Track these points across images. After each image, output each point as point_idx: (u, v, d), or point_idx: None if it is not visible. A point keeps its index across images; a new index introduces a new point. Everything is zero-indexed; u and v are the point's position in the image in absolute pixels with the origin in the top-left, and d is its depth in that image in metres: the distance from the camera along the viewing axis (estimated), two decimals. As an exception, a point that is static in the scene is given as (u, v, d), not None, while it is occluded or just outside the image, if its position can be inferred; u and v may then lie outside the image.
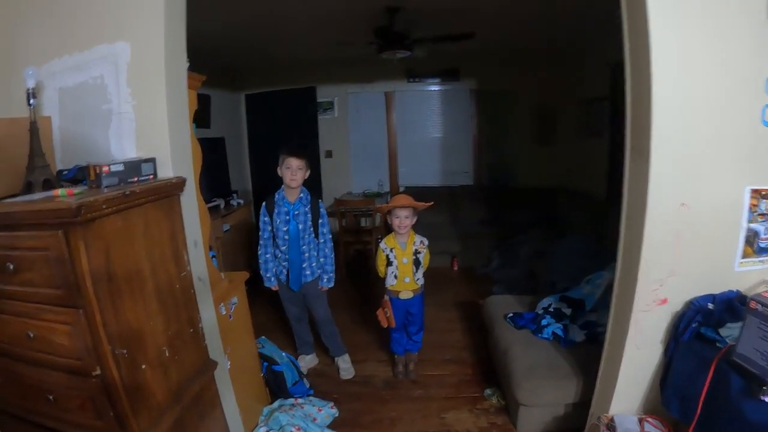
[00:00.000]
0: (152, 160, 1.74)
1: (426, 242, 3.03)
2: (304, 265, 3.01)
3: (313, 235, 3.01)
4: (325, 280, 3.11)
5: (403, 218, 2.88)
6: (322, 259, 3.07)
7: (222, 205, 5.23)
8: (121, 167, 1.62)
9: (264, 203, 3.01)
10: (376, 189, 6.54)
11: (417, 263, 2.99)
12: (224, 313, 2.28)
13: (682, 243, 1.72)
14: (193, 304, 1.90)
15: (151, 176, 1.73)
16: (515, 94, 6.29)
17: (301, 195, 2.94)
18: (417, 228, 3.06)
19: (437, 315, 4.13)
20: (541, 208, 5.82)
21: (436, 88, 6.51)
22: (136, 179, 1.66)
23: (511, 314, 3.10)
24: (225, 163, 5.59)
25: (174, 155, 1.82)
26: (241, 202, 5.51)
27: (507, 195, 6.18)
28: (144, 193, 1.59)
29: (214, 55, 5.27)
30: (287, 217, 2.92)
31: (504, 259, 5.16)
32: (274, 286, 3.13)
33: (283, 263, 3.03)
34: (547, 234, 5.11)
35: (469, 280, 5.18)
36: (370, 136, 6.69)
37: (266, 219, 2.99)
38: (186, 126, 1.95)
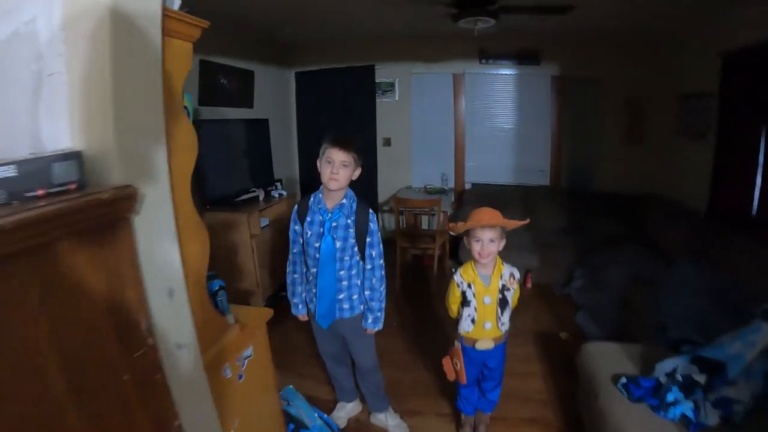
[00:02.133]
0: (75, 157, 0.97)
1: (518, 275, 2.22)
2: (340, 297, 2.21)
3: (357, 256, 2.20)
4: (370, 320, 2.27)
5: (487, 242, 2.06)
6: (368, 292, 2.25)
7: (261, 197, 4.53)
8: (11, 171, 0.86)
9: (296, 206, 2.24)
10: (439, 184, 5.75)
11: (503, 303, 2.17)
12: (229, 376, 1.53)
13: None
14: (162, 398, 1.12)
15: (73, 185, 0.95)
16: (602, 84, 5.37)
17: (344, 201, 2.13)
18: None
19: (511, 351, 3.26)
20: (628, 218, 4.91)
21: (512, 72, 5.63)
22: (41, 192, 0.90)
23: (625, 380, 2.20)
24: (268, 148, 4.88)
25: (123, 146, 1.06)
26: (284, 193, 4.81)
27: (588, 200, 5.24)
28: (47, 221, 0.83)
29: (261, 26, 4.60)
30: (321, 230, 2.12)
31: (589, 280, 4.22)
32: (303, 316, 2.39)
33: (313, 290, 2.24)
34: (644, 254, 4.13)
35: (546, 301, 4.28)
36: (435, 124, 5.88)
37: (297, 228, 2.23)
38: (158, 97, 1.17)
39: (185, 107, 1.47)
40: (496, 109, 5.78)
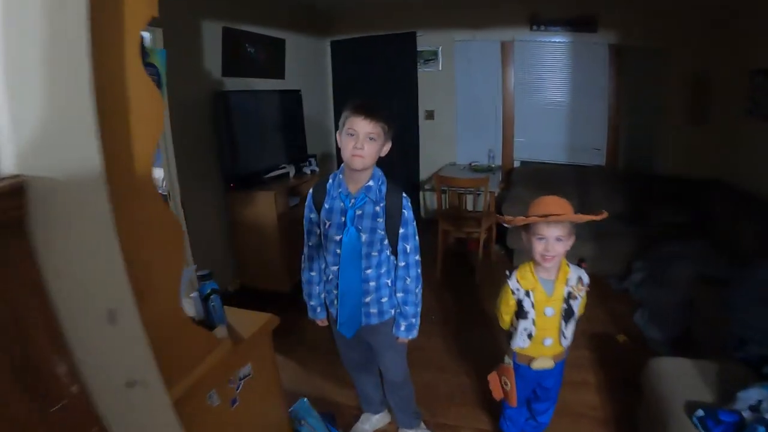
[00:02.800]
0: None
1: (586, 279, 1.82)
2: (366, 300, 1.84)
3: (387, 251, 1.82)
4: (402, 328, 1.88)
5: (552, 241, 1.68)
6: (400, 294, 1.86)
7: (292, 173, 4.24)
8: None
9: (311, 190, 1.86)
10: (486, 161, 5.30)
11: (568, 315, 1.79)
12: (217, 403, 1.22)
13: None
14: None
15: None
16: (665, 56, 4.74)
17: (371, 183, 1.73)
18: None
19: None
20: (692, 206, 4.34)
21: (566, 40, 5.06)
22: None
23: (702, 412, 1.77)
24: (300, 121, 4.56)
25: (18, 116, 0.73)
26: (317, 169, 4.51)
27: (647, 183, 4.67)
28: None
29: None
30: (342, 219, 1.74)
31: (649, 274, 3.75)
32: (322, 320, 2.04)
33: (334, 291, 1.88)
34: (713, 250, 3.60)
35: (600, 295, 3.79)
36: (481, 96, 5.40)
37: (313, 216, 1.85)
38: (81, 35, 0.82)
39: (151, 67, 1.12)
40: (548, 81, 5.25)
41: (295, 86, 4.71)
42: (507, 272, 1.88)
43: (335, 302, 1.87)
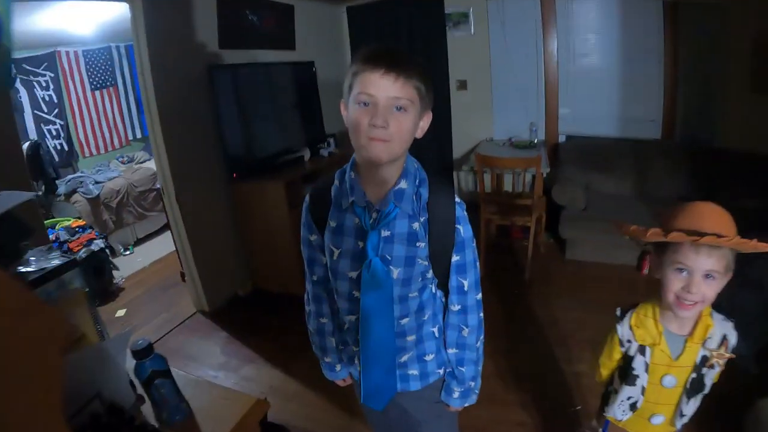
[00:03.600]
0: None
1: (734, 341, 1.18)
2: (403, 359, 1.22)
3: (432, 285, 1.19)
4: (456, 394, 1.26)
5: (699, 277, 1.07)
6: (453, 351, 1.25)
7: (307, 157, 3.68)
8: None
9: (307, 197, 1.20)
10: (527, 137, 4.67)
11: (696, 388, 1.18)
12: None
13: None
14: None
15: None
16: (727, 13, 4.01)
17: (403, 184, 1.07)
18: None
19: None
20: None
21: (615, -5, 4.36)
22: None
23: None
24: (315, 97, 3.97)
25: None
26: (336, 151, 3.95)
27: (712, 160, 3.95)
28: None
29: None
30: (360, 245, 1.09)
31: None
32: (344, 380, 1.41)
33: (353, 348, 1.25)
34: None
35: None
36: (520, 62, 4.72)
37: (314, 238, 1.20)
38: None
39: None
40: (595, 44, 4.56)
41: (308, 57, 4.10)
42: (618, 311, 1.28)
43: (356, 361, 1.26)
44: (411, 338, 1.18)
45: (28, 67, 4.83)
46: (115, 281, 4.06)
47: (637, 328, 1.22)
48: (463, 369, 1.24)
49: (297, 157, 3.61)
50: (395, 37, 4.83)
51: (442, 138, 4.92)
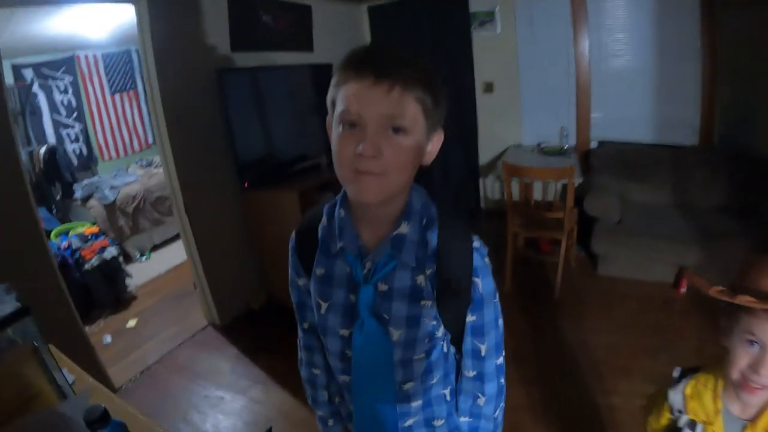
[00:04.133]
0: None
1: None
2: (407, 424, 0.98)
3: (442, 344, 0.94)
4: None
5: None
6: (466, 419, 1.02)
7: (324, 164, 3.53)
8: None
9: (293, 236, 0.99)
10: (557, 142, 4.42)
11: None
12: None
13: None
14: None
15: None
16: None
17: (404, 228, 0.83)
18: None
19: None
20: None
21: (650, -9, 4.07)
22: None
23: None
24: (334, 101, 3.81)
25: None
26: (356, 157, 3.75)
27: (755, 167, 3.60)
28: None
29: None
30: (351, 298, 0.88)
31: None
32: None
33: (349, 405, 1.03)
34: None
35: (707, 316, 2.89)
36: (549, 63, 4.48)
37: (302, 282, 0.98)
38: None
39: None
40: (628, 43, 4.29)
41: (327, 60, 3.94)
42: (675, 372, 1.05)
43: (351, 422, 1.06)
44: (416, 403, 0.97)
45: (46, 71, 4.79)
46: (128, 289, 3.97)
47: (691, 400, 1.00)
48: None
49: (313, 165, 3.46)
50: (418, 37, 4.64)
51: (468, 143, 4.70)
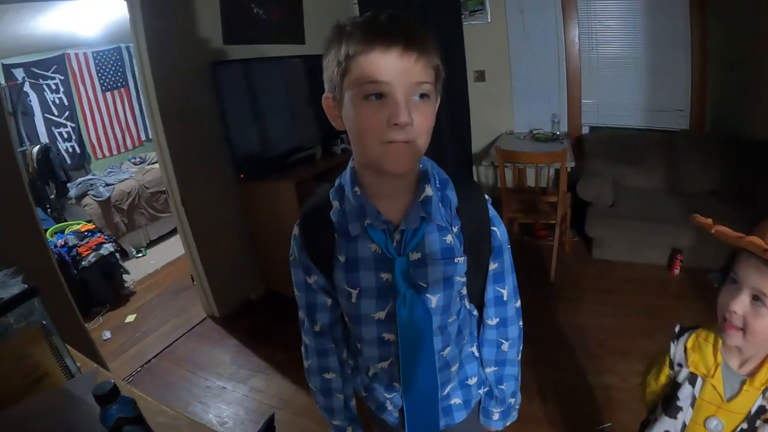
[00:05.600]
0: None
1: None
2: (446, 391, 1.04)
3: (464, 302, 1.00)
4: (495, 415, 1.11)
5: (744, 296, 0.87)
6: (492, 369, 1.08)
7: (319, 155, 3.54)
8: None
9: (297, 227, 0.94)
10: (549, 129, 4.44)
11: None
12: None
13: None
14: None
15: None
16: None
17: (428, 190, 0.85)
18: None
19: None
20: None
21: (639, -24, 4.09)
22: None
23: None
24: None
25: None
26: (350, 148, 3.75)
27: (745, 151, 3.67)
28: None
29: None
30: (386, 277, 0.87)
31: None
32: None
33: (385, 394, 1.04)
34: None
35: (703, 297, 2.92)
36: (540, 51, 4.50)
37: (314, 281, 0.95)
38: None
39: None
40: (618, 30, 4.32)
41: (318, 51, 3.93)
42: (676, 328, 1.09)
43: (388, 407, 1.05)
44: (454, 368, 1.02)
45: (37, 71, 4.76)
46: (126, 285, 3.98)
47: (692, 352, 1.03)
48: (503, 386, 1.09)
49: (308, 155, 3.47)
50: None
51: (461, 131, 4.72)
